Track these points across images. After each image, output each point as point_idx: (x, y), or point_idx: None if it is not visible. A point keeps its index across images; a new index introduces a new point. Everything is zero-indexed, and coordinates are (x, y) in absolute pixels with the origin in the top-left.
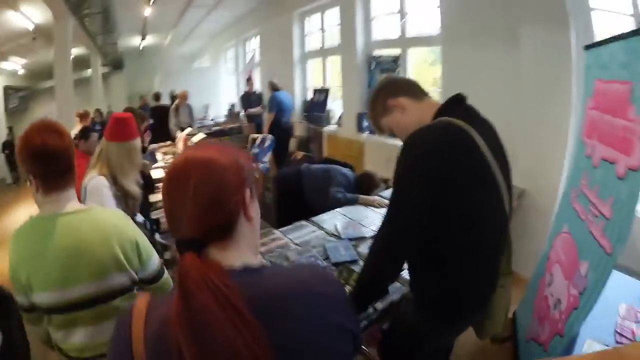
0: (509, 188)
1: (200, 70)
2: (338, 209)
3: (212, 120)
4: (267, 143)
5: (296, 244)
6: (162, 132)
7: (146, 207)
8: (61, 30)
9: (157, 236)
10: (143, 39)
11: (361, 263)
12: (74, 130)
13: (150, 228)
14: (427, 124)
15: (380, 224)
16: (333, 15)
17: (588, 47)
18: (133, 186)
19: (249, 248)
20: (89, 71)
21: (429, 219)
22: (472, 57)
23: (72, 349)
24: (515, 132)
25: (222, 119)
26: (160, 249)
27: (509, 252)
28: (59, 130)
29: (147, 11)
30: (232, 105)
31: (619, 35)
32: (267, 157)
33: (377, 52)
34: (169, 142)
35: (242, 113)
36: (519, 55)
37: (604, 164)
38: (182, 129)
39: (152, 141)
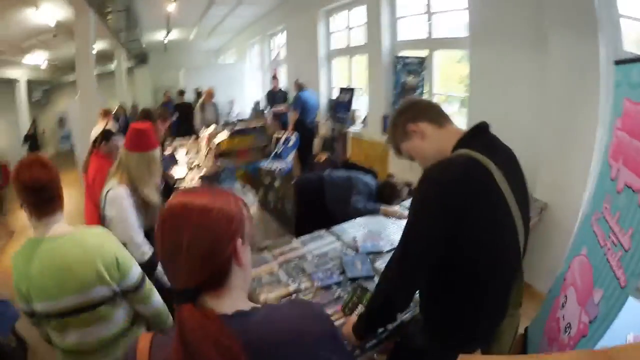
0: (526, 220)
1: (225, 66)
2: (359, 219)
3: (236, 117)
4: (292, 142)
5: (315, 254)
6: (185, 128)
7: None
8: (83, 27)
9: None
10: (167, 33)
11: (376, 279)
12: (96, 127)
13: None
14: (447, 158)
15: (395, 250)
16: (359, 14)
17: (618, 63)
18: (153, 195)
19: (242, 292)
20: (113, 65)
21: (443, 249)
22: (500, 60)
23: (68, 347)
24: (540, 142)
25: (246, 116)
26: None
27: (520, 285)
28: (45, 164)
29: (171, 7)
30: (257, 103)
31: None
32: (291, 156)
33: (404, 53)
34: (193, 138)
35: (266, 111)
36: (547, 61)
37: (626, 191)
38: (208, 127)
39: (175, 135)
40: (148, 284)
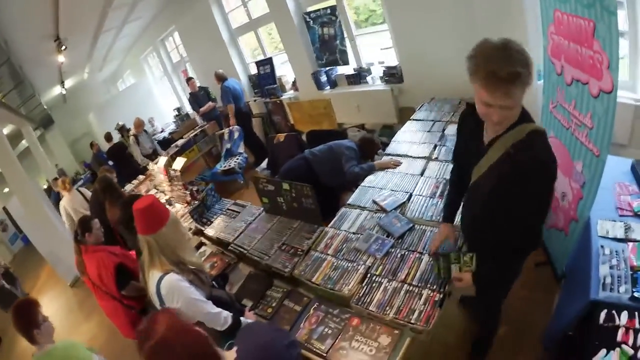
0: None
1: (130, 89)
2: (363, 182)
3: (162, 131)
4: (236, 134)
5: (354, 233)
6: (128, 171)
7: None
8: None
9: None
10: (63, 84)
11: (417, 227)
12: (65, 199)
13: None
14: (542, 138)
15: (529, 214)
16: None
17: None
18: (194, 259)
19: None
20: (25, 142)
21: None
22: None
23: None
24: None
25: (171, 126)
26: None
27: None
28: (18, 314)
29: (61, 58)
30: (178, 109)
31: None
32: (241, 147)
33: (311, 8)
34: (141, 177)
35: (196, 116)
36: None
37: (577, 84)
38: (149, 156)
39: (121, 184)
40: None
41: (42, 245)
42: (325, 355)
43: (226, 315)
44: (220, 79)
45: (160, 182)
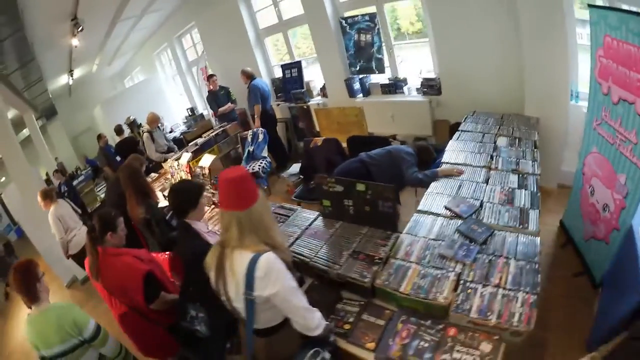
0: None
1: (140, 85)
2: (428, 189)
3: (171, 131)
4: (261, 137)
5: (433, 239)
6: None
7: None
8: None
9: None
10: (71, 73)
11: (497, 233)
12: (51, 216)
13: None
14: None
15: None
16: None
17: (591, 6)
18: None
19: None
20: (25, 130)
21: None
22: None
23: None
24: (517, 68)
25: (181, 126)
26: None
27: None
28: (19, 270)
29: (75, 41)
30: (191, 109)
31: (630, 11)
32: (265, 152)
33: (349, 13)
34: (154, 175)
35: (211, 116)
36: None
37: (623, 103)
38: (163, 154)
39: None
40: (102, 333)
41: (39, 240)
42: None
43: (320, 318)
44: (249, 77)
45: (180, 179)
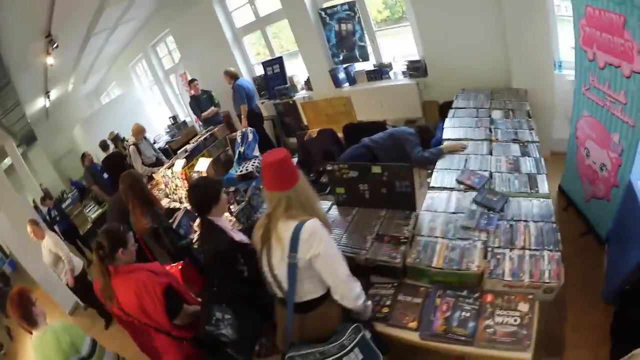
0: None
1: (118, 100)
2: (436, 166)
3: (154, 143)
4: (251, 137)
5: (453, 213)
6: None
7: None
8: None
9: None
10: (47, 94)
11: (511, 199)
12: (44, 248)
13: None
14: None
15: None
16: None
17: None
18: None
19: None
20: (7, 160)
21: None
22: None
23: None
24: (506, 45)
25: (164, 137)
26: None
27: None
28: (14, 300)
29: (50, 60)
30: (174, 117)
31: None
32: (256, 151)
33: (327, 4)
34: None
35: (195, 122)
36: None
37: (609, 67)
38: (150, 166)
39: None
40: (98, 349)
41: (35, 269)
42: (472, 339)
43: (362, 289)
44: (233, 77)
45: (176, 187)
